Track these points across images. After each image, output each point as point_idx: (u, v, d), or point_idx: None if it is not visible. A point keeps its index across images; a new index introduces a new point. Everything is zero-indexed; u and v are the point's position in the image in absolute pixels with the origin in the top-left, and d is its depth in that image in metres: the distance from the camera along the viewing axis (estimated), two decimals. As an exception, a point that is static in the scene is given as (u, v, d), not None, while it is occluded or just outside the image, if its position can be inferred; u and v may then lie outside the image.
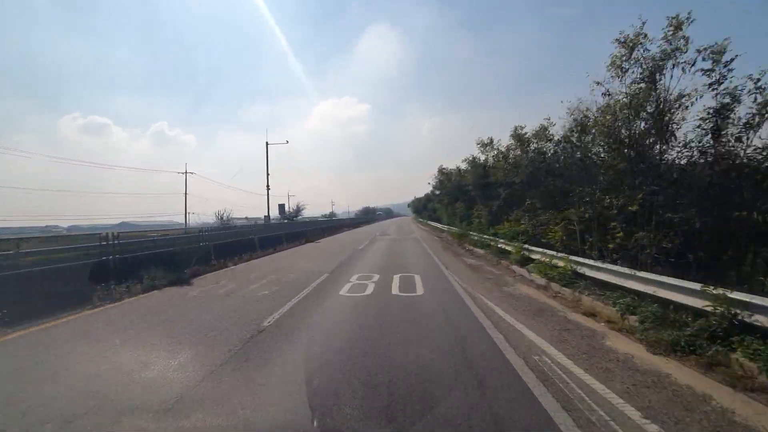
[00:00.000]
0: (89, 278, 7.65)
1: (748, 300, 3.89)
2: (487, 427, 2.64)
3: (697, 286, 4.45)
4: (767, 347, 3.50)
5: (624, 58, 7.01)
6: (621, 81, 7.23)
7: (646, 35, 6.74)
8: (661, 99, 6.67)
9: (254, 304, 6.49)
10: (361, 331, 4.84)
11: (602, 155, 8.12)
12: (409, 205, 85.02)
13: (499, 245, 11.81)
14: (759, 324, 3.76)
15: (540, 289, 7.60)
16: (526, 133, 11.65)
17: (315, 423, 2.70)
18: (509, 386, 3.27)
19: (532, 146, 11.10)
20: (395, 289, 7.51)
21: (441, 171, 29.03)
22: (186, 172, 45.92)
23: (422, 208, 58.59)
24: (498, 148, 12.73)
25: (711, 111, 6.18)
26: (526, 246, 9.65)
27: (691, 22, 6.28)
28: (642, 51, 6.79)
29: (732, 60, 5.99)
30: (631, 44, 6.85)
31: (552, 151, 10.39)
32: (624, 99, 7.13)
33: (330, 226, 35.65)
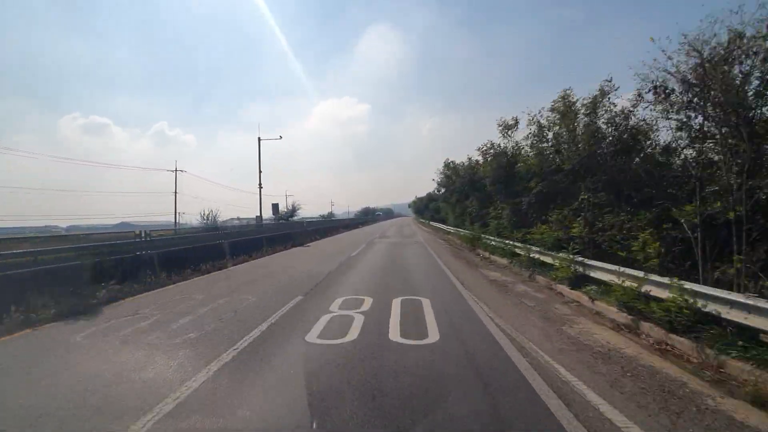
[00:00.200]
0: None
1: None
2: None
3: None
4: None
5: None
6: None
7: None
8: None
9: (153, 367, 3.79)
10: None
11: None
12: (409, 206, 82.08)
13: (532, 254, 8.97)
14: None
15: (622, 331, 4.86)
16: (575, 101, 8.60)
17: None
18: None
19: (582, 122, 8.22)
20: (394, 330, 4.81)
21: (447, 165, 25.13)
22: (176, 170, 43.33)
23: (424, 208, 55.71)
24: (537, 123, 9.52)
25: None
26: (579, 259, 6.81)
27: None
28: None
29: None
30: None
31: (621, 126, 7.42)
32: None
33: (326, 227, 32.87)
